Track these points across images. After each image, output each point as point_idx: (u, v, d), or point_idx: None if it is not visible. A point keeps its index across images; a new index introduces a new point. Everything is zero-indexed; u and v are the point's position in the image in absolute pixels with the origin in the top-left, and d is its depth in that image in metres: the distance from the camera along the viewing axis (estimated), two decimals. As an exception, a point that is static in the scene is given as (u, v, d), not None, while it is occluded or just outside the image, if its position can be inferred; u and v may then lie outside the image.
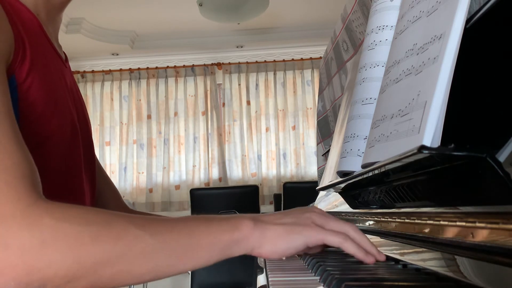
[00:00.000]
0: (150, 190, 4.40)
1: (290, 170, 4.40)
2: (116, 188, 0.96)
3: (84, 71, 4.58)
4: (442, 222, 0.47)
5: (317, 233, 0.55)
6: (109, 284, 0.46)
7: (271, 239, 0.54)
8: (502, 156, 0.36)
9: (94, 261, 0.44)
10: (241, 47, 4.49)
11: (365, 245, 0.57)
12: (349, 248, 0.55)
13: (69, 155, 0.70)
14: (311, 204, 1.52)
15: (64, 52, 0.80)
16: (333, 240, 0.55)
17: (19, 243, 0.42)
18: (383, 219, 0.69)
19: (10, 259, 0.41)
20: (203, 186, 4.34)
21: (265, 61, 4.56)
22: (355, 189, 0.80)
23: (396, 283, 0.47)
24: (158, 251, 0.48)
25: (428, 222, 0.51)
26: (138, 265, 0.47)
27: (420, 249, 0.54)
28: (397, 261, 0.59)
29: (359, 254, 0.55)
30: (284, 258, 0.81)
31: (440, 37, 0.45)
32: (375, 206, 0.73)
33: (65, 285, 0.44)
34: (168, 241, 0.49)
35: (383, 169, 0.52)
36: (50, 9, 0.72)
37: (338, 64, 1.36)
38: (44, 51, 0.68)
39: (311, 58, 4.51)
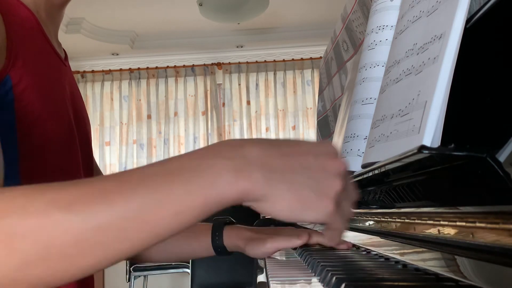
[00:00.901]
0: (150, 190, 4.40)
1: (290, 170, 4.40)
2: None
3: (84, 71, 4.58)
4: (442, 222, 0.47)
5: (332, 219, 0.42)
6: (47, 285, 0.36)
7: (274, 200, 0.39)
8: (502, 156, 0.36)
9: (15, 264, 0.34)
10: (241, 47, 4.49)
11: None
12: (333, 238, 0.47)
13: (67, 157, 0.69)
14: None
15: (64, 50, 0.79)
16: (339, 223, 0.44)
17: None
18: (383, 219, 0.69)
19: None
20: (203, 186, 4.33)
21: (265, 61, 4.56)
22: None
23: (396, 283, 0.47)
24: (97, 236, 0.35)
25: (428, 222, 0.51)
26: (76, 257, 0.35)
27: (420, 249, 0.54)
28: (397, 261, 0.59)
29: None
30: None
31: (440, 37, 0.45)
32: (375, 206, 0.73)
33: None
34: (107, 223, 0.35)
35: (383, 169, 0.52)
36: (50, 7, 0.71)
37: (338, 64, 1.36)
38: (41, 50, 0.67)
39: (311, 58, 4.51)
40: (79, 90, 0.83)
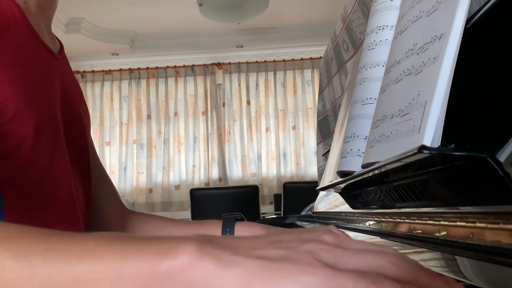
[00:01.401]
0: (150, 190, 4.40)
1: (290, 170, 4.40)
2: (115, 187, 0.91)
3: (84, 71, 4.58)
4: (442, 222, 0.47)
5: (326, 279, 0.28)
6: None
7: (239, 280, 0.28)
8: (502, 156, 0.36)
9: None
10: (241, 47, 4.50)
11: (418, 280, 0.31)
12: None
13: (51, 159, 0.64)
14: (310, 205, 1.52)
15: (60, 42, 0.76)
16: None
17: None
18: (383, 219, 0.69)
19: None
20: (203, 186, 4.34)
21: (265, 61, 4.56)
22: (355, 189, 0.80)
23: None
24: (24, 281, 0.29)
25: (428, 222, 0.51)
26: None
27: (420, 249, 0.54)
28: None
29: None
30: None
31: (440, 37, 0.45)
32: (375, 206, 0.73)
33: None
34: (39, 267, 0.29)
35: (383, 169, 0.52)
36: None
37: (338, 64, 1.36)
38: (23, 45, 0.62)
39: (311, 58, 4.51)
40: (77, 83, 0.79)
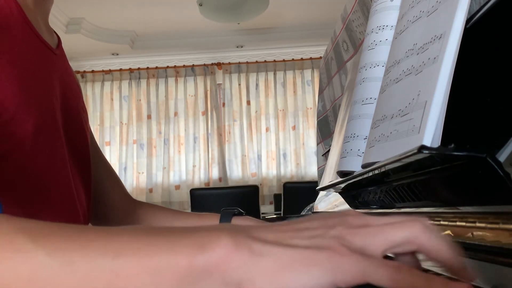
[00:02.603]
0: (150, 190, 4.40)
1: (290, 170, 4.40)
2: (120, 180, 0.90)
3: (84, 71, 4.58)
4: (442, 222, 0.47)
5: (353, 265, 0.30)
6: None
7: (271, 270, 0.29)
8: (502, 156, 0.36)
9: None
10: (241, 47, 4.50)
11: (445, 264, 0.33)
12: (410, 280, 0.30)
13: (50, 156, 0.64)
14: (310, 205, 1.52)
15: (57, 36, 0.74)
16: (379, 277, 0.29)
17: None
18: (383, 219, 0.69)
19: None
20: (203, 186, 4.34)
21: (265, 61, 4.56)
22: (355, 189, 0.80)
23: (396, 283, 0.47)
24: (60, 277, 0.29)
25: (428, 222, 0.51)
26: None
27: (420, 249, 0.54)
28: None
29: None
30: None
31: (440, 37, 0.45)
32: (375, 206, 0.73)
33: None
34: (77, 263, 0.29)
35: (383, 169, 0.52)
36: None
37: (338, 64, 1.36)
38: (22, 41, 0.61)
39: (311, 58, 4.51)
40: (75, 78, 0.78)
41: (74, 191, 0.70)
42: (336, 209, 1.10)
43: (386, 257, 0.31)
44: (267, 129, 4.47)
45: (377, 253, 0.31)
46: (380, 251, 0.31)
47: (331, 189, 0.90)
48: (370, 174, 0.57)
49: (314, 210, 1.42)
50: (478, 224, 0.40)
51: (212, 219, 0.81)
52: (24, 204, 0.60)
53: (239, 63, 4.58)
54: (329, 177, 0.91)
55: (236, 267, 0.29)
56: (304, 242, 0.31)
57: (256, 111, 4.49)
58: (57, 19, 3.58)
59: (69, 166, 0.69)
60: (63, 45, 0.77)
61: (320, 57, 3.99)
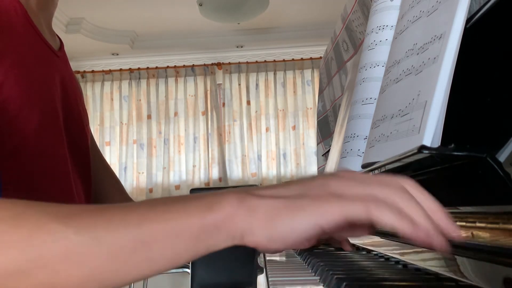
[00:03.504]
0: (150, 190, 4.40)
1: (290, 170, 4.40)
2: (119, 181, 0.91)
3: (84, 71, 4.58)
4: (442, 222, 0.47)
5: (332, 207, 0.34)
6: None
7: (264, 217, 0.34)
8: (502, 156, 0.36)
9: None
10: (241, 47, 4.50)
11: (429, 213, 0.35)
12: (384, 218, 0.33)
13: (52, 156, 0.65)
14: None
15: (60, 39, 0.76)
16: (356, 212, 0.34)
17: None
18: (383, 219, 0.69)
19: None
20: (203, 186, 4.34)
21: (265, 61, 4.56)
22: (355, 189, 0.80)
23: (396, 283, 0.47)
24: (90, 252, 0.33)
25: (428, 222, 0.51)
26: (63, 273, 0.33)
27: (420, 249, 0.54)
28: (397, 261, 0.59)
29: (405, 228, 0.33)
30: (284, 259, 0.80)
31: (440, 37, 0.45)
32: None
33: None
34: (104, 237, 0.33)
35: (383, 169, 0.52)
36: None
37: (338, 64, 1.36)
38: (26, 42, 0.63)
39: (311, 58, 4.51)
40: (76, 80, 0.79)
41: (75, 190, 0.71)
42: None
43: None
44: (267, 129, 4.47)
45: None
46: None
47: (331, 189, 0.90)
48: (370, 174, 0.57)
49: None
50: (478, 224, 0.40)
51: None
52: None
53: (239, 63, 4.57)
54: (329, 177, 0.91)
55: (239, 221, 0.35)
56: (293, 191, 0.37)
57: (256, 111, 4.49)
58: (57, 19, 3.57)
59: (70, 165, 0.70)
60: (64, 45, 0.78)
61: (320, 57, 3.99)
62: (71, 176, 0.70)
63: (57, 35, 0.77)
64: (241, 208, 0.35)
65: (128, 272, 0.34)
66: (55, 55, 0.70)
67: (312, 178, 0.38)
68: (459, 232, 0.36)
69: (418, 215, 0.34)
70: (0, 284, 0.32)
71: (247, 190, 0.37)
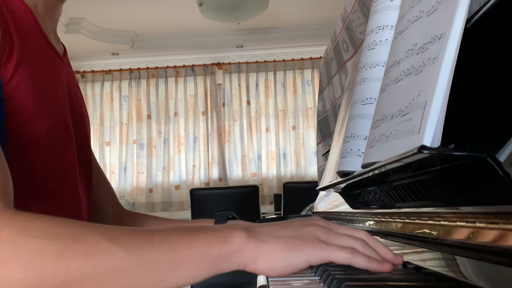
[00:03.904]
0: (150, 190, 4.40)
1: (290, 170, 4.40)
2: (112, 188, 0.93)
3: (84, 71, 4.58)
4: (442, 222, 0.47)
5: (320, 251, 0.47)
6: None
7: (267, 254, 0.46)
8: (502, 156, 0.36)
9: (59, 280, 0.39)
10: (241, 47, 4.50)
11: (379, 252, 0.50)
12: (359, 263, 0.47)
13: (61, 158, 0.67)
14: (310, 205, 1.52)
15: (63, 45, 0.78)
16: (340, 258, 0.47)
17: None
18: (383, 219, 0.69)
19: None
20: (203, 186, 4.34)
21: (265, 61, 4.56)
22: (355, 189, 0.80)
23: (396, 283, 0.47)
24: (134, 267, 0.42)
25: (428, 222, 0.51)
26: (111, 284, 0.41)
27: (420, 249, 0.54)
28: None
29: (371, 266, 0.47)
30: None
31: (440, 37, 0.45)
32: (375, 206, 0.73)
33: None
34: (146, 257, 0.42)
35: (383, 169, 0.52)
36: (48, 2, 0.70)
37: (338, 64, 1.36)
38: (37, 47, 0.65)
39: (311, 58, 4.51)
40: (77, 85, 0.81)
41: (80, 192, 0.73)
42: (336, 209, 1.10)
43: None
44: (267, 129, 4.47)
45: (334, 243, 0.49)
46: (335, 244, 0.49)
47: (331, 189, 0.90)
48: (370, 174, 0.57)
49: (314, 210, 1.42)
50: (478, 224, 0.40)
51: (206, 223, 0.85)
52: (31, 204, 0.61)
53: (239, 63, 4.57)
54: (329, 177, 0.91)
55: (247, 254, 0.46)
56: (289, 234, 0.48)
57: (256, 111, 4.49)
58: (57, 19, 3.56)
59: (77, 167, 0.72)
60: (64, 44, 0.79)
61: (320, 57, 3.99)
62: (78, 177, 0.72)
63: (61, 41, 0.79)
64: (249, 244, 0.46)
65: (157, 285, 0.43)
66: (61, 60, 0.72)
67: (301, 224, 0.51)
68: (400, 259, 0.51)
69: (373, 255, 0.49)
70: None
71: (251, 227, 0.48)
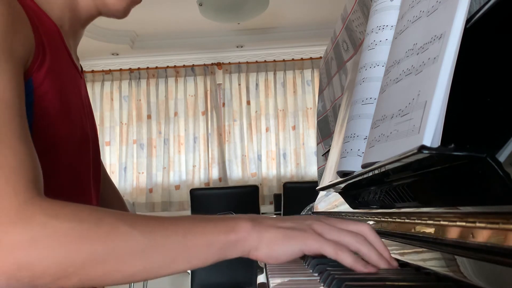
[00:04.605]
0: (150, 190, 4.40)
1: (290, 170, 4.40)
2: (117, 189, 0.98)
3: (84, 71, 4.57)
4: (442, 222, 0.47)
5: (314, 242, 0.51)
6: (100, 282, 0.47)
7: (268, 242, 0.51)
8: (502, 156, 0.36)
9: (83, 259, 0.45)
10: (241, 47, 4.49)
11: (377, 249, 0.53)
12: (344, 260, 0.51)
13: (78, 160, 0.72)
14: (310, 205, 1.52)
15: (80, 65, 0.83)
16: (329, 252, 0.51)
17: (10, 239, 0.43)
18: (383, 219, 0.69)
19: (1, 254, 0.43)
20: (203, 186, 4.34)
21: (265, 61, 4.56)
22: (355, 189, 0.80)
23: (396, 283, 0.47)
24: (149, 250, 0.47)
25: (428, 222, 0.51)
26: (128, 264, 0.46)
27: (420, 249, 0.54)
28: (397, 261, 0.59)
29: (355, 266, 0.51)
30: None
31: (440, 37, 0.45)
32: (375, 206, 0.73)
33: (55, 282, 0.45)
34: (160, 240, 0.48)
35: (383, 169, 0.52)
36: (74, 23, 0.76)
37: (338, 64, 1.36)
38: (62, 59, 0.70)
39: (311, 58, 4.51)
40: (89, 100, 0.87)
41: (93, 193, 0.77)
42: (336, 209, 1.10)
43: None
44: (267, 129, 4.47)
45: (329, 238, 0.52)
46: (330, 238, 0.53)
47: (331, 189, 0.90)
48: (370, 174, 0.57)
49: (314, 210, 1.42)
50: (478, 224, 0.40)
51: None
52: (57, 195, 0.65)
53: (239, 63, 4.57)
54: (329, 177, 0.91)
55: (251, 242, 0.51)
56: (289, 225, 0.53)
57: (256, 111, 4.49)
58: (57, 19, 3.56)
59: (91, 170, 0.77)
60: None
61: (320, 57, 3.99)
62: (91, 180, 0.77)
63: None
64: (253, 232, 0.51)
65: (170, 266, 0.48)
66: (80, 77, 0.79)
67: (302, 218, 0.56)
68: (395, 264, 0.54)
69: (367, 252, 0.53)
70: (86, 269, 0.45)
71: (254, 218, 0.53)
